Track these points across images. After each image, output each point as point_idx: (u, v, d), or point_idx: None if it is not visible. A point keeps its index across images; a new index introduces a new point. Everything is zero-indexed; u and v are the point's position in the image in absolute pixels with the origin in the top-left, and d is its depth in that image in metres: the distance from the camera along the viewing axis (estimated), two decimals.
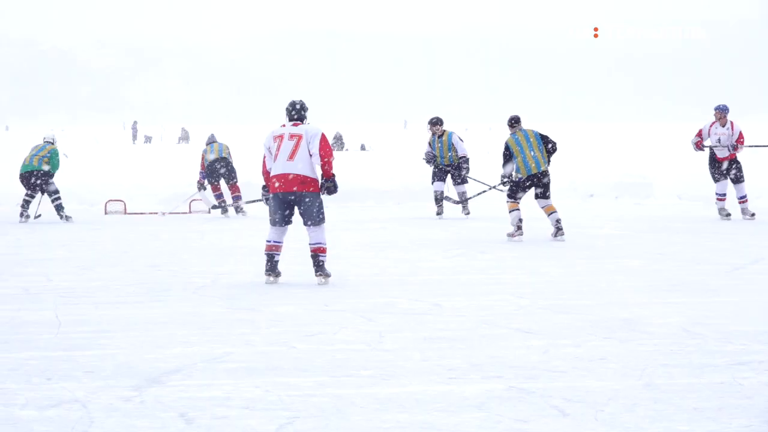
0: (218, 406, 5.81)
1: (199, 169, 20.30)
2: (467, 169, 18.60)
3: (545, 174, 14.86)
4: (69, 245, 14.73)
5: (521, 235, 14.82)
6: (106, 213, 20.36)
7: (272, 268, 10.70)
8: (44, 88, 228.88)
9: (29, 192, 18.82)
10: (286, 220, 10.67)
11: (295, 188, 10.52)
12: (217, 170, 19.85)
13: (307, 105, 10.98)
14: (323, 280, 10.64)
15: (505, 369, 6.69)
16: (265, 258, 10.75)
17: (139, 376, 6.53)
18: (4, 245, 14.87)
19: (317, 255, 10.66)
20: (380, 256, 13.09)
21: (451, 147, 18.51)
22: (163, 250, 14.20)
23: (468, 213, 18.74)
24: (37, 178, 18.70)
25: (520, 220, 14.85)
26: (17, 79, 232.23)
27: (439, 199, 18.73)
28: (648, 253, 13.34)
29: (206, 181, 19.89)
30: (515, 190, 14.92)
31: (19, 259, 13.17)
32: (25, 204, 18.82)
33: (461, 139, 18.77)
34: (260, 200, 12.80)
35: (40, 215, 18.97)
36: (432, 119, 18.82)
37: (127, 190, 22.13)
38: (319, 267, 10.65)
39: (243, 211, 19.88)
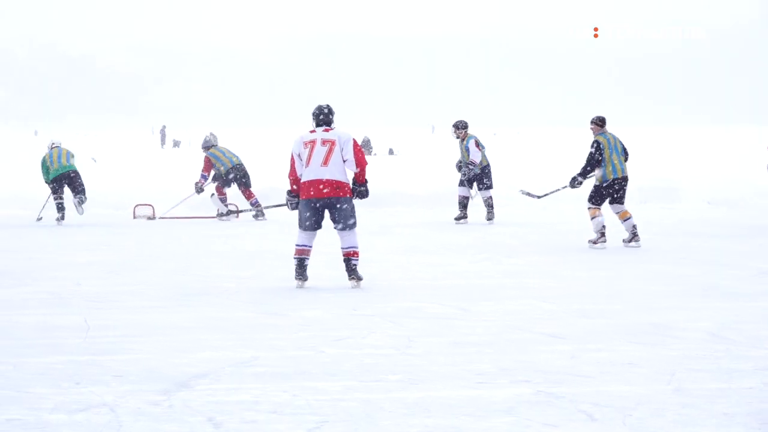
0: (246, 411, 5.82)
1: (201, 171, 20.07)
2: (465, 173, 18.35)
3: (627, 179, 14.57)
4: (95, 249, 14.77)
5: (604, 242, 14.36)
6: (134, 217, 20.38)
7: (302, 273, 10.71)
8: (72, 92, 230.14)
9: (59, 192, 18.98)
10: (316, 225, 10.68)
11: (329, 193, 10.53)
12: (236, 176, 19.71)
13: (334, 109, 11.00)
14: (356, 283, 10.66)
15: (533, 373, 6.68)
16: (294, 262, 10.75)
17: (167, 380, 6.55)
18: (30, 249, 14.91)
19: (350, 258, 10.68)
20: (408, 261, 13.08)
21: (469, 151, 18.36)
22: (189, 254, 14.23)
23: (492, 218, 18.59)
24: (73, 175, 18.94)
25: (604, 227, 14.37)
26: (45, 84, 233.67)
27: (461, 203, 18.57)
28: (675, 257, 13.28)
29: (206, 184, 19.84)
30: (602, 195, 14.50)
31: (46, 263, 13.22)
32: (60, 206, 18.95)
33: (479, 145, 18.47)
34: (284, 205, 12.76)
35: (41, 218, 19.08)
36: (455, 123, 18.75)
37: (154, 194, 22.14)
38: (351, 270, 10.68)
39: (264, 216, 19.65)
